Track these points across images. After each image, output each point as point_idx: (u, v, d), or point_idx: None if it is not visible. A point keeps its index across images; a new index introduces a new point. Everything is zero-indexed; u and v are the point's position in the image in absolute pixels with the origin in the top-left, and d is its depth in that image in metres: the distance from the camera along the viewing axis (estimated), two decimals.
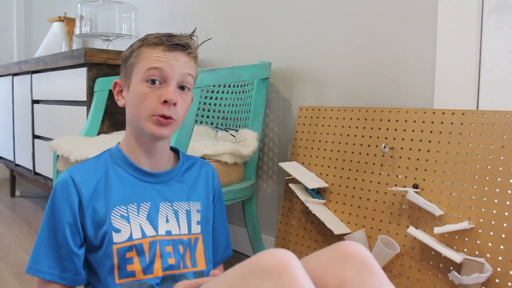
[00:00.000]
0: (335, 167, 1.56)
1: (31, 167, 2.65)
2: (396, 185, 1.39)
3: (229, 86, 1.93)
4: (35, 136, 2.62)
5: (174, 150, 1.10)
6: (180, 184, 1.04)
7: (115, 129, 2.01)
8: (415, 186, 1.35)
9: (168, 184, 1.02)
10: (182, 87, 0.97)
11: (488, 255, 1.20)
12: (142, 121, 0.95)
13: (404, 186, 1.37)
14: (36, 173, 2.60)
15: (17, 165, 2.91)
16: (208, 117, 1.99)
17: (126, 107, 1.01)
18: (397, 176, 1.40)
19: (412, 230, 1.30)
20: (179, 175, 1.05)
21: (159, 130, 0.95)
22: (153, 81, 0.94)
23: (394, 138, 1.42)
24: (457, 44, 1.36)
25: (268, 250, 0.73)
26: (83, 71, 2.02)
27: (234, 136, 1.69)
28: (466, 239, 1.24)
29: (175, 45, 0.95)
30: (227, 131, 1.76)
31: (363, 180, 1.48)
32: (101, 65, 2.01)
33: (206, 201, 1.08)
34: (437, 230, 1.26)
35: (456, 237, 1.26)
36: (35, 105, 2.59)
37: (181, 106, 0.97)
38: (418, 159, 1.36)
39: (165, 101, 0.93)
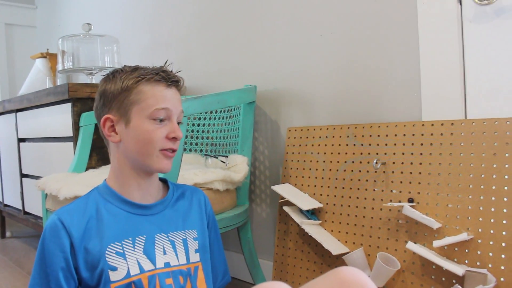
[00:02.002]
0: (328, 187, 1.54)
1: (20, 207, 2.60)
2: (391, 201, 1.38)
3: (216, 112, 1.92)
4: (22, 175, 2.58)
5: (162, 180, 1.09)
6: (174, 213, 1.03)
7: (103, 163, 1.98)
8: (410, 200, 1.33)
9: (162, 215, 1.01)
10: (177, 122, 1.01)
11: (490, 265, 1.18)
12: (150, 158, 0.97)
13: (399, 201, 1.36)
14: (26, 213, 2.55)
15: (6, 205, 2.85)
16: (196, 144, 1.97)
17: (120, 143, 0.99)
18: (391, 191, 1.38)
19: (411, 245, 1.28)
20: (171, 204, 1.04)
21: (168, 165, 0.98)
22: (161, 119, 0.97)
23: (385, 153, 1.41)
24: (440, 54, 1.36)
25: (263, 283, 0.71)
26: (67, 106, 2.00)
27: (224, 162, 1.68)
28: (467, 251, 1.22)
29: (172, 82, 0.99)
30: (216, 157, 1.74)
31: (358, 198, 1.46)
32: (86, 99, 1.99)
33: (202, 228, 1.07)
34: (436, 243, 1.24)
35: (456, 249, 1.24)
36: (21, 143, 2.56)
37: (180, 140, 1.02)
38: (411, 173, 1.35)
39: (174, 137, 0.97)
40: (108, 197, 0.98)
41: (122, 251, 0.93)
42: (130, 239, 0.95)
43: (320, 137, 1.59)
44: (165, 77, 0.98)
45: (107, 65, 2.30)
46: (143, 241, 0.96)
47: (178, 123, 1.01)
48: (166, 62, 1.03)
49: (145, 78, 0.97)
